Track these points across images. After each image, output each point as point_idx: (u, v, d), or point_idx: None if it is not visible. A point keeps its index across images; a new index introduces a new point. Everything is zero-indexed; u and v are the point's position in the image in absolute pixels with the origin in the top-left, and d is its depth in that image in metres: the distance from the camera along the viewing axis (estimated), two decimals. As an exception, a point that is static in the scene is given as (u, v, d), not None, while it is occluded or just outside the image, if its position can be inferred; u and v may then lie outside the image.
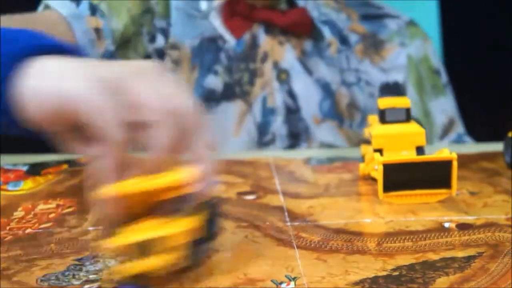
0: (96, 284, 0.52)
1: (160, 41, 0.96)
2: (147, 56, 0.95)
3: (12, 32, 0.59)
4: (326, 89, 0.99)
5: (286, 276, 0.53)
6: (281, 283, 0.52)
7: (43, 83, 0.53)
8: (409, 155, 0.69)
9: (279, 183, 0.73)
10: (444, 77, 1.05)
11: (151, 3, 0.96)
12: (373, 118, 0.74)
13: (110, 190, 0.50)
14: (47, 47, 0.57)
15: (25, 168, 0.77)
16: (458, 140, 1.04)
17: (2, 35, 0.57)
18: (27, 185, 0.72)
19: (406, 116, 0.71)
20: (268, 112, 0.97)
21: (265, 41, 0.98)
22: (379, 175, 0.66)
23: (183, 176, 0.51)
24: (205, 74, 0.96)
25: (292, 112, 0.98)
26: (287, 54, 0.98)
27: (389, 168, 0.66)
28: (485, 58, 1.23)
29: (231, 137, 0.96)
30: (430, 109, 1.03)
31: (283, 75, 0.97)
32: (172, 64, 0.95)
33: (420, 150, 0.70)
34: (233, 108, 0.96)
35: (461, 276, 0.53)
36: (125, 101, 0.52)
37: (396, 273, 0.53)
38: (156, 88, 0.53)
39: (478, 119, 1.14)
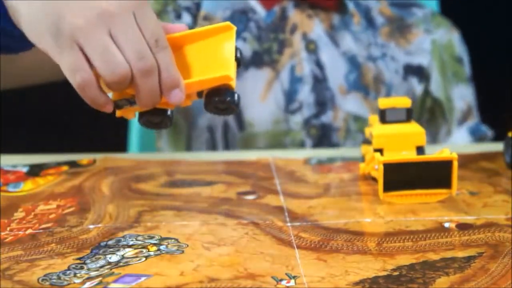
0: (97, 280, 0.52)
1: (186, 18, 1.00)
2: None
3: None
4: (353, 61, 1.02)
5: (286, 274, 0.53)
6: (281, 280, 0.52)
7: (27, 28, 0.59)
8: (409, 155, 0.69)
9: (279, 183, 0.73)
10: (467, 68, 1.09)
11: None
12: (374, 118, 0.74)
13: None
14: None
15: (25, 169, 0.77)
16: (476, 128, 1.08)
17: None
18: (27, 186, 0.72)
19: (407, 116, 0.71)
20: (296, 80, 1.00)
21: (294, 14, 1.02)
22: (379, 175, 0.66)
23: None
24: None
25: (319, 81, 1.00)
26: (315, 27, 1.01)
27: (389, 168, 0.66)
28: (484, 58, 1.23)
29: (258, 101, 0.99)
30: (451, 95, 1.07)
31: (311, 46, 1.01)
32: None
33: (420, 150, 0.70)
34: (262, 74, 0.99)
35: (461, 276, 0.53)
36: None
37: (396, 273, 0.53)
38: None
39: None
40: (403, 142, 0.70)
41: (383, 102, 0.72)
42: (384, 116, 0.71)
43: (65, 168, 0.77)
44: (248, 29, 1.00)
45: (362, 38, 1.03)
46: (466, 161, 0.78)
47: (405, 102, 0.72)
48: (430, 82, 1.06)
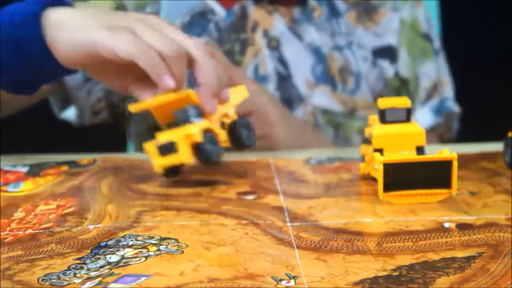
0: (97, 280, 0.52)
1: None
2: None
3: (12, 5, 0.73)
4: (317, 53, 1.01)
5: (286, 274, 0.53)
6: (281, 280, 0.52)
7: (72, 38, 0.69)
8: (409, 155, 0.69)
9: (279, 183, 0.73)
10: (436, 43, 1.08)
11: (123, 1, 0.99)
12: (374, 118, 0.74)
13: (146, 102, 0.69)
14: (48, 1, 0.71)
15: (24, 169, 0.77)
16: (441, 106, 1.07)
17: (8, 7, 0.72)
18: (27, 186, 0.72)
19: (406, 116, 0.71)
20: (260, 79, 0.99)
21: (254, 12, 1.00)
22: (379, 175, 0.66)
23: (186, 93, 0.68)
24: None
25: (284, 78, 0.99)
26: (276, 23, 1.00)
27: (389, 168, 0.66)
28: (484, 58, 1.23)
29: None
30: (417, 73, 1.07)
31: (273, 42, 1.00)
32: None
33: (420, 150, 0.70)
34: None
35: (461, 276, 0.53)
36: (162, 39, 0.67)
37: (396, 273, 0.53)
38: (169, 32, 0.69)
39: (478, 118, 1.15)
40: (403, 142, 0.70)
41: (383, 102, 0.72)
42: (384, 116, 0.71)
43: (65, 168, 0.77)
44: (208, 32, 0.99)
45: (326, 28, 1.01)
46: (466, 161, 0.78)
47: (405, 102, 0.72)
48: (398, 62, 1.05)
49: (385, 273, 0.53)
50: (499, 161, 0.78)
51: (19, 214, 0.65)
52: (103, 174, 0.76)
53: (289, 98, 0.99)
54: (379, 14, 1.04)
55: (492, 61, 1.51)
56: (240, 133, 0.73)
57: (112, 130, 1.06)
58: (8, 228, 0.62)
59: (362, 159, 0.75)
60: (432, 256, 0.56)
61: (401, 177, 0.66)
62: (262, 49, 0.99)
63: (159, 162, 0.69)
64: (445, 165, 0.66)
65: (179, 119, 0.68)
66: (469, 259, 0.56)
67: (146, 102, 0.70)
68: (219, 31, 0.99)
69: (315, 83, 1.00)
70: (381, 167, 0.66)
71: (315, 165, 0.79)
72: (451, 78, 1.10)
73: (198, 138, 0.67)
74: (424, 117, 1.06)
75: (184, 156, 0.67)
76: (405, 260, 0.56)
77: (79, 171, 0.77)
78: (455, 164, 0.66)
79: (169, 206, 0.67)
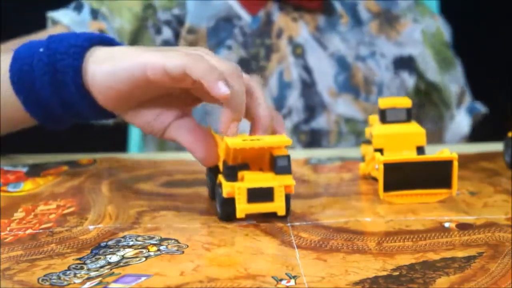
0: (97, 280, 0.52)
1: (166, 32, 0.98)
2: None
3: (60, 35, 0.68)
4: (341, 63, 1.01)
5: (286, 274, 0.53)
6: (281, 280, 0.52)
7: (114, 66, 0.63)
8: (409, 155, 0.69)
9: (279, 183, 0.73)
10: (451, 51, 1.11)
11: (150, 1, 0.98)
12: (374, 118, 0.74)
13: (233, 142, 0.60)
14: (96, 39, 0.67)
15: (24, 169, 0.77)
16: (472, 107, 1.10)
17: (53, 36, 0.67)
18: (27, 186, 0.72)
19: (407, 116, 0.71)
20: (284, 86, 0.99)
21: (279, 18, 1.00)
22: (379, 174, 0.66)
23: (284, 140, 0.61)
24: (218, 49, 0.98)
25: (308, 86, 1.00)
26: (301, 30, 1.01)
27: (389, 168, 0.66)
28: (484, 57, 1.23)
29: None
30: (446, 80, 1.09)
31: (298, 50, 1.00)
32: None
33: (420, 150, 0.70)
34: None
35: (461, 276, 0.53)
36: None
37: (396, 273, 0.53)
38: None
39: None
40: (403, 142, 0.70)
41: (383, 102, 0.72)
42: (384, 116, 0.71)
43: (65, 168, 0.77)
44: (233, 36, 0.99)
45: (350, 37, 1.02)
46: (466, 161, 0.78)
47: (405, 102, 0.72)
48: (427, 71, 1.06)
49: (385, 273, 0.53)
50: (499, 161, 0.78)
51: (19, 214, 0.65)
52: (103, 174, 0.76)
53: (312, 105, 1.00)
54: (401, 24, 1.06)
55: (492, 61, 1.51)
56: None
57: (112, 130, 1.06)
58: (8, 228, 0.62)
59: (362, 159, 0.75)
60: (432, 256, 0.56)
61: (401, 177, 0.66)
62: (287, 56, 1.00)
63: (244, 208, 0.61)
64: (445, 165, 0.66)
65: (279, 166, 0.61)
66: (469, 259, 0.56)
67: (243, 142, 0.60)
68: (244, 35, 0.99)
69: (337, 92, 1.01)
70: (381, 167, 0.66)
71: (315, 165, 0.79)
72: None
73: (293, 189, 0.62)
74: (464, 120, 1.09)
75: (280, 208, 0.61)
76: (405, 260, 0.56)
77: (79, 171, 0.76)
78: (455, 164, 0.66)
79: (169, 207, 0.67)
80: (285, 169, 0.61)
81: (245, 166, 0.61)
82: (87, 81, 0.65)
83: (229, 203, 0.61)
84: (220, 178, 0.62)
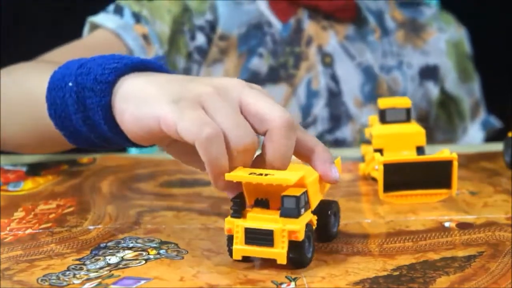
0: (96, 282, 0.52)
1: (200, 38, 0.97)
2: (189, 54, 0.97)
3: (88, 63, 0.61)
4: (368, 73, 1.01)
5: (286, 277, 0.53)
6: (281, 283, 0.52)
7: (137, 110, 0.56)
8: (409, 155, 0.69)
9: (279, 183, 0.73)
10: (472, 64, 1.11)
11: (187, 2, 0.98)
12: (374, 118, 0.74)
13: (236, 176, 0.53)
14: (130, 65, 0.60)
15: (25, 169, 0.77)
16: (486, 122, 1.10)
17: (82, 66, 0.61)
18: (27, 186, 0.72)
19: (407, 116, 0.71)
20: (312, 94, 0.99)
21: (309, 26, 1.00)
22: (379, 175, 0.66)
23: (286, 179, 0.53)
24: (250, 57, 0.98)
25: (334, 95, 1.00)
26: (330, 39, 1.00)
27: (389, 168, 0.66)
28: (484, 58, 1.23)
29: None
30: (463, 92, 1.09)
31: (327, 59, 1.00)
32: (219, 54, 0.97)
33: (420, 150, 0.70)
34: (278, 90, 0.98)
35: (461, 275, 0.53)
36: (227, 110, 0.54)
37: (396, 273, 0.53)
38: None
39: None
40: (403, 142, 0.70)
41: (383, 102, 0.72)
42: (384, 116, 0.71)
43: (65, 167, 0.77)
44: (264, 44, 0.98)
45: (378, 48, 1.02)
46: (466, 161, 0.78)
47: (405, 102, 0.72)
48: (445, 81, 1.06)
49: (385, 273, 0.53)
50: (499, 161, 0.78)
51: (19, 213, 0.65)
52: (103, 174, 0.76)
53: (338, 115, 1.00)
54: (427, 33, 1.06)
55: (492, 60, 1.51)
56: (328, 220, 0.59)
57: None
58: (8, 228, 0.62)
59: (362, 159, 0.75)
60: (433, 256, 0.56)
61: (401, 177, 0.66)
62: (315, 65, 0.99)
63: (241, 250, 0.54)
64: (445, 165, 0.66)
65: (284, 208, 0.53)
66: (469, 258, 0.55)
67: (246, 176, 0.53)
68: (274, 43, 0.99)
69: (363, 102, 1.01)
70: (381, 167, 0.66)
71: (315, 165, 0.79)
72: None
73: (301, 236, 0.53)
74: (477, 134, 1.09)
75: (280, 255, 0.53)
76: (406, 260, 0.55)
77: (79, 170, 0.76)
78: (455, 164, 0.65)
79: (169, 207, 0.67)
80: (291, 212, 0.53)
81: (263, 203, 0.55)
82: (117, 118, 0.59)
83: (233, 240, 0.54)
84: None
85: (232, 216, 0.54)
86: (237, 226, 0.53)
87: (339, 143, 0.99)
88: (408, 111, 0.71)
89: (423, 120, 1.05)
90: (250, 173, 0.53)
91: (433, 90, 1.06)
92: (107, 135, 0.61)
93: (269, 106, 0.55)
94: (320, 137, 0.98)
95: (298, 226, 0.52)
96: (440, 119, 1.08)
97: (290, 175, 0.53)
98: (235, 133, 0.53)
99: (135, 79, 0.59)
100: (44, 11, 1.46)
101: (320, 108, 0.99)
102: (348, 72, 1.00)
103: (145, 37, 0.92)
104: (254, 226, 0.53)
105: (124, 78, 0.59)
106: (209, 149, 0.52)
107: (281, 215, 0.53)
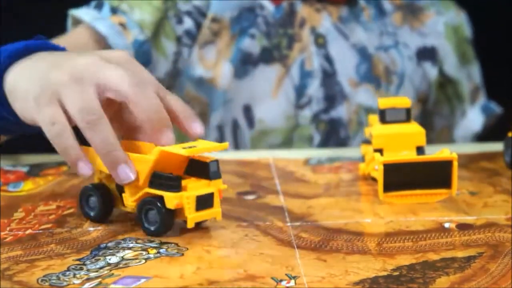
0: (96, 281, 0.52)
1: (187, 22, 0.98)
2: (178, 38, 0.97)
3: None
4: (363, 53, 1.01)
5: (286, 274, 0.53)
6: (281, 280, 0.52)
7: (18, 105, 0.64)
8: (409, 155, 0.69)
9: (279, 183, 0.73)
10: (472, 48, 1.11)
11: None
12: (374, 118, 0.74)
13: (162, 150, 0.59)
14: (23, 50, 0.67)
15: (25, 169, 0.77)
16: (486, 107, 1.10)
17: None
18: (27, 186, 0.72)
19: (406, 116, 0.71)
20: (305, 75, 0.99)
21: (302, 8, 1.00)
22: (379, 175, 0.66)
23: (211, 146, 0.60)
24: (241, 38, 0.98)
25: (328, 75, 1.00)
26: (324, 21, 1.01)
27: (389, 168, 0.66)
28: (485, 57, 1.23)
29: (269, 98, 0.98)
30: (462, 75, 1.09)
31: (320, 40, 1.00)
32: (212, 35, 0.98)
33: (420, 150, 0.70)
34: (271, 71, 0.98)
35: (461, 276, 0.53)
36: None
37: (396, 273, 0.53)
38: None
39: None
40: (403, 142, 0.70)
41: (383, 102, 0.72)
42: (384, 116, 0.71)
43: (65, 168, 0.77)
44: (256, 25, 0.99)
45: (373, 28, 1.03)
46: (466, 161, 0.78)
47: (405, 102, 0.72)
48: (444, 64, 1.06)
49: (385, 273, 0.53)
50: (499, 161, 0.78)
51: (19, 214, 0.65)
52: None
53: (332, 95, 1.00)
54: (425, 15, 1.06)
55: (493, 48, 1.51)
56: None
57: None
58: (8, 228, 0.62)
59: (362, 159, 0.75)
60: (432, 256, 0.56)
61: (401, 177, 0.66)
62: (309, 46, 1.00)
63: (194, 217, 0.59)
64: (445, 165, 0.66)
65: (212, 172, 0.60)
66: (469, 259, 0.56)
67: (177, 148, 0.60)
68: (267, 25, 0.99)
69: (358, 82, 1.01)
70: (381, 167, 0.66)
71: (315, 165, 0.79)
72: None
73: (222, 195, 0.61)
74: (477, 119, 1.08)
75: (218, 213, 0.60)
76: (405, 260, 0.56)
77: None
78: (455, 164, 0.66)
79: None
80: (217, 174, 0.60)
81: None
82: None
83: (171, 215, 0.59)
84: (150, 190, 0.60)
85: (174, 191, 0.58)
86: (187, 197, 0.58)
87: (334, 123, 0.99)
88: (408, 111, 0.71)
89: (422, 102, 1.06)
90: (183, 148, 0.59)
91: (431, 71, 1.05)
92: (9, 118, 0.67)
93: (116, 77, 0.61)
94: (316, 117, 0.99)
95: (223, 185, 0.60)
96: (439, 101, 1.08)
97: (211, 143, 0.61)
98: (86, 119, 0.60)
99: (16, 69, 0.66)
100: (31, 6, 1.47)
101: (315, 89, 0.99)
102: (343, 52, 1.01)
103: (122, 24, 0.94)
104: (202, 193, 0.59)
105: (12, 66, 0.66)
106: (57, 143, 0.61)
107: (211, 178, 0.60)
